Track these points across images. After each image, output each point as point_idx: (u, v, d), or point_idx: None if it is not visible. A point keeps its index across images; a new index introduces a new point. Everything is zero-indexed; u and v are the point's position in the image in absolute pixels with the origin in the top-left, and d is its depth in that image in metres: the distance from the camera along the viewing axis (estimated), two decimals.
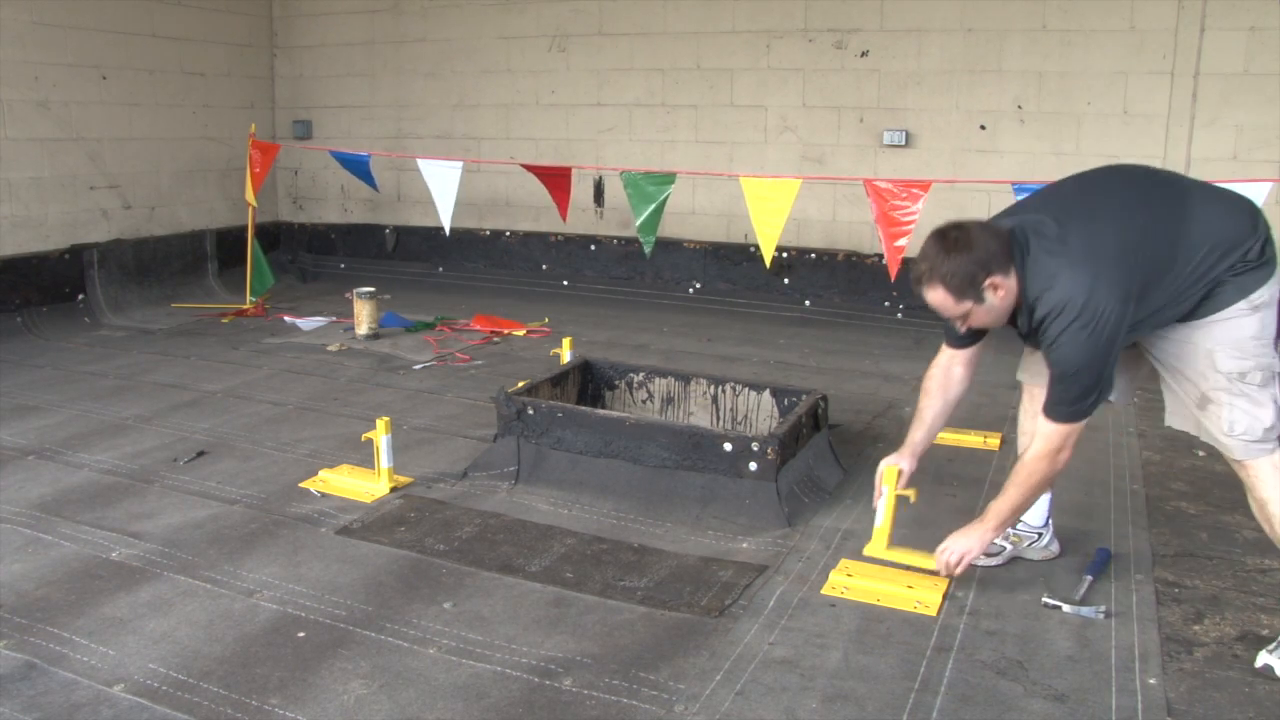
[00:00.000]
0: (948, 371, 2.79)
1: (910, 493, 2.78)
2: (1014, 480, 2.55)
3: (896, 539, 3.07)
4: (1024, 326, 2.49)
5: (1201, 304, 2.39)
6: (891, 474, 2.75)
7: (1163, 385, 2.63)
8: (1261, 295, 2.37)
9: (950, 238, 2.38)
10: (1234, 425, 2.41)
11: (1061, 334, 2.34)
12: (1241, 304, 2.37)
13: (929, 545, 2.74)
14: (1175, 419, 2.61)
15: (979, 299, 2.40)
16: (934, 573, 2.72)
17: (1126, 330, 2.36)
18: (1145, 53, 5.62)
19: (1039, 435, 2.51)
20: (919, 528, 3.16)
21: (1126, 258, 2.32)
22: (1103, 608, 2.61)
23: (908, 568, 2.81)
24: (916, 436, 2.82)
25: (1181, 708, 2.20)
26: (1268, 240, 2.40)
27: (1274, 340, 2.44)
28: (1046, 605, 2.64)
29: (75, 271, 6.49)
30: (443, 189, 5.61)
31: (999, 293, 2.39)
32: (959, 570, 2.64)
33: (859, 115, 6.38)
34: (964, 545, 2.62)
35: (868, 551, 2.86)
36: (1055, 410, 2.45)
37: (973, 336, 2.71)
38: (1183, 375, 2.50)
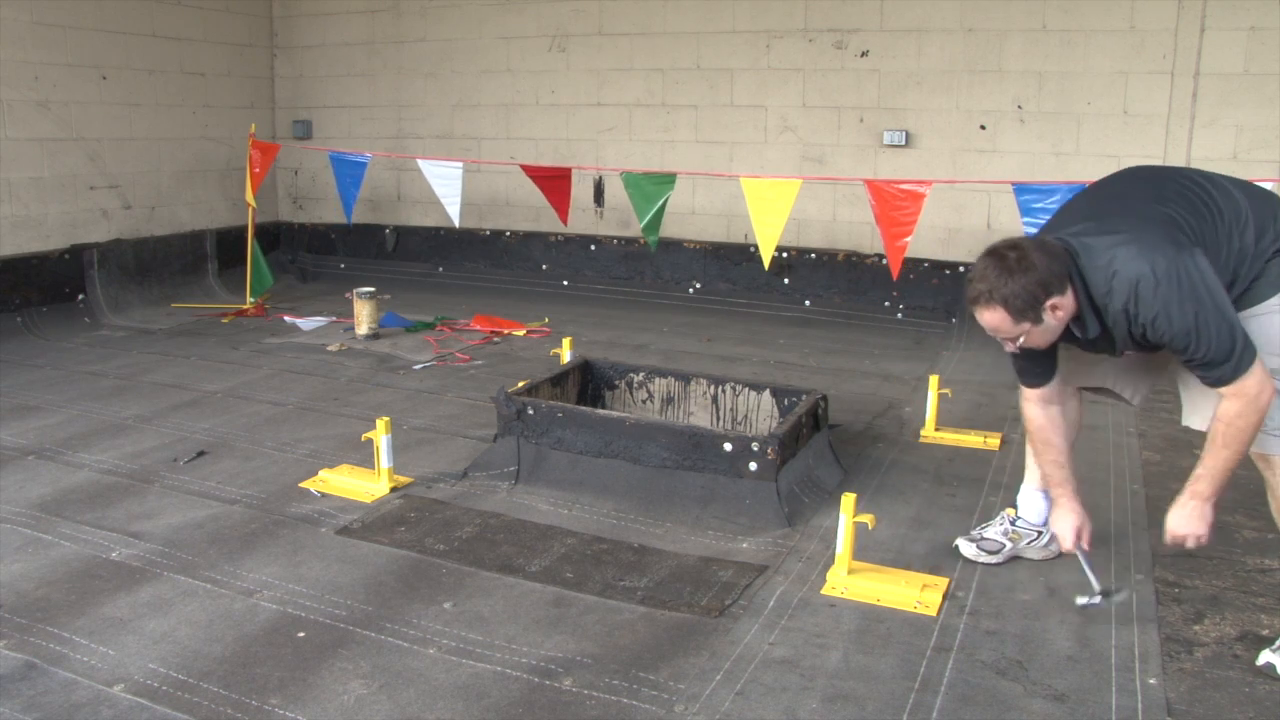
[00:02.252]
0: (1050, 415, 2.65)
1: (868, 518, 2.74)
2: (1219, 440, 2.32)
3: (895, 539, 3.07)
4: (1092, 331, 2.39)
5: (1242, 296, 2.35)
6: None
7: (1181, 386, 2.59)
8: None
9: (1010, 259, 2.29)
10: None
11: (1155, 308, 2.23)
12: (1274, 300, 2.34)
13: (926, 544, 2.74)
14: (1194, 418, 2.55)
15: (1037, 320, 2.34)
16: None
17: (1215, 272, 2.23)
18: (1145, 53, 5.62)
19: (1224, 407, 2.29)
20: (919, 527, 3.17)
21: (1174, 227, 2.28)
22: (1124, 589, 2.66)
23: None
24: (1070, 488, 2.66)
25: (1181, 708, 2.20)
26: None
27: None
28: (1083, 606, 2.58)
29: (75, 271, 6.49)
30: (447, 188, 5.77)
31: (1057, 313, 2.34)
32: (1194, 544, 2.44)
33: (859, 115, 6.38)
34: (1188, 527, 2.40)
35: (831, 579, 2.76)
36: (1222, 374, 2.24)
37: (1046, 368, 2.62)
38: None
